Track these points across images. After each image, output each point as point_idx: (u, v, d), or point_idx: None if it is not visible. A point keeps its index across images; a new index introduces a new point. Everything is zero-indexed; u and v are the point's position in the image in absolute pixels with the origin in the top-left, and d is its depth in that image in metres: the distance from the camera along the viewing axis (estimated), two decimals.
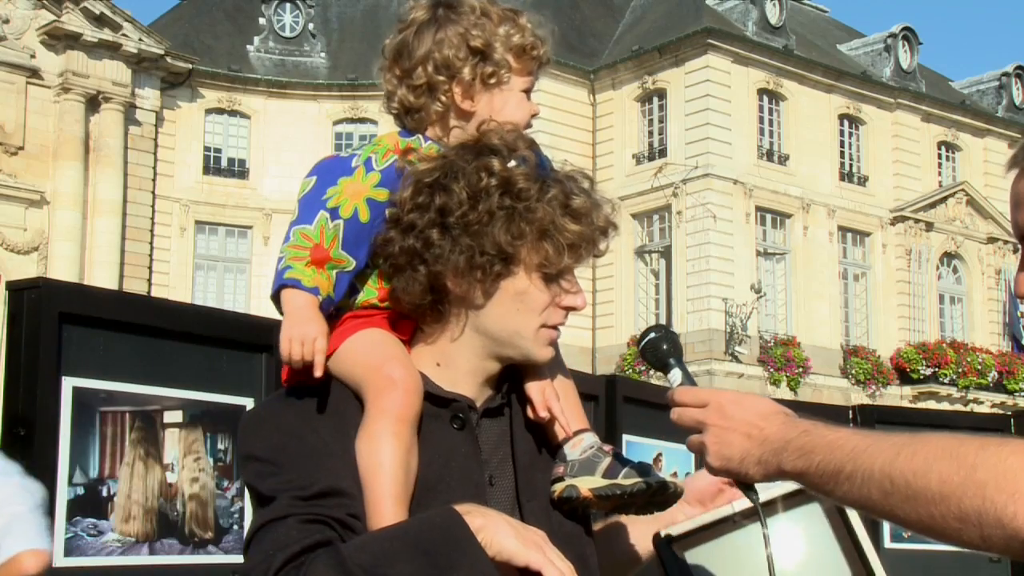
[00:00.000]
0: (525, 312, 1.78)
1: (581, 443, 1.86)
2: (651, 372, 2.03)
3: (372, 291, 1.83)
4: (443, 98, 1.89)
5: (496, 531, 1.60)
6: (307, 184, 1.86)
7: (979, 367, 35.99)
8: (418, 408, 1.75)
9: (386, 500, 1.67)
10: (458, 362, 1.81)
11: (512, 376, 1.87)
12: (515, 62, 1.92)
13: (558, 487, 1.83)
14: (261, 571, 1.60)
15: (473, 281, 1.75)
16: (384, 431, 1.71)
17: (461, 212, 1.73)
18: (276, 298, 1.84)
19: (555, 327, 1.82)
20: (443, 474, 1.75)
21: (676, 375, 1.79)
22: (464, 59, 1.88)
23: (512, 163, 1.75)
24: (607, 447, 1.86)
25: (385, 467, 1.69)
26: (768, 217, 34.78)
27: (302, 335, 1.75)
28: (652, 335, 1.82)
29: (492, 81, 1.89)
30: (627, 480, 1.79)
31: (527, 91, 1.95)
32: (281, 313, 1.84)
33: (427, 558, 1.56)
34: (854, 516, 1.85)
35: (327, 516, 1.64)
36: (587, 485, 1.80)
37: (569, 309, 1.82)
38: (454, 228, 1.74)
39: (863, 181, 36.87)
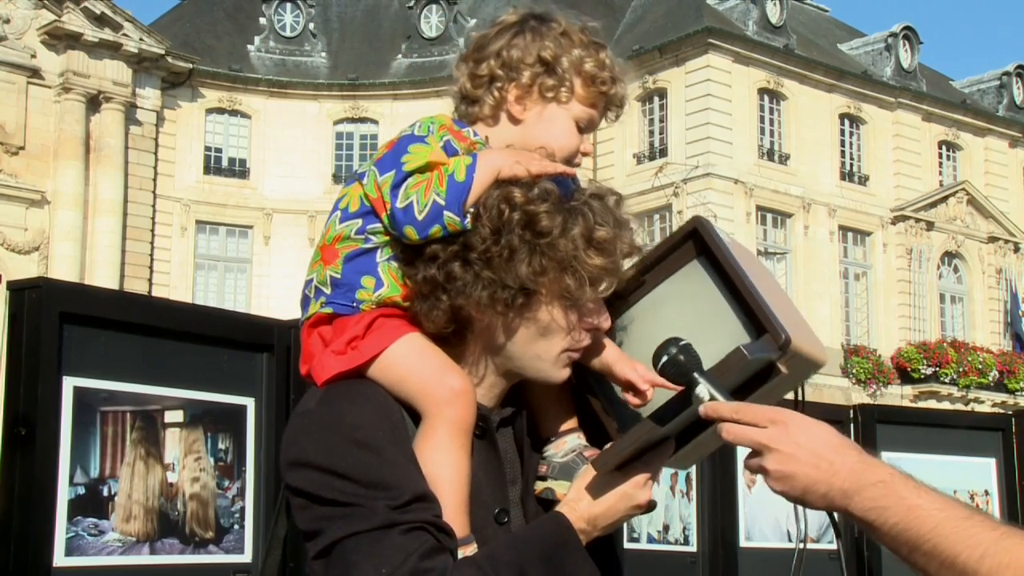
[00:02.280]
0: (548, 338, 1.79)
1: (564, 445, 1.88)
2: None
3: (396, 287, 1.81)
4: (497, 93, 1.91)
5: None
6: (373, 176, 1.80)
7: (980, 366, 36.00)
8: (475, 417, 1.78)
9: (455, 509, 1.72)
10: (474, 378, 1.83)
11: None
12: (580, 88, 1.92)
13: (539, 486, 1.86)
14: None
15: (495, 314, 1.76)
16: (451, 442, 1.74)
17: (484, 247, 1.73)
18: (423, 234, 1.75)
19: (577, 350, 1.82)
20: (479, 480, 1.79)
21: (704, 390, 1.67)
22: (530, 64, 1.89)
23: (535, 191, 1.74)
24: (589, 452, 1.86)
25: (454, 478, 1.73)
26: (769, 216, 34.80)
27: (521, 157, 1.77)
28: (672, 350, 1.69)
29: (550, 95, 1.90)
30: None
31: (582, 125, 1.93)
32: (446, 232, 1.75)
33: (549, 565, 1.70)
34: (735, 270, 1.81)
35: (424, 522, 1.66)
36: (563, 490, 1.82)
37: (593, 330, 1.82)
38: (476, 263, 1.74)
39: (864, 180, 36.88)
